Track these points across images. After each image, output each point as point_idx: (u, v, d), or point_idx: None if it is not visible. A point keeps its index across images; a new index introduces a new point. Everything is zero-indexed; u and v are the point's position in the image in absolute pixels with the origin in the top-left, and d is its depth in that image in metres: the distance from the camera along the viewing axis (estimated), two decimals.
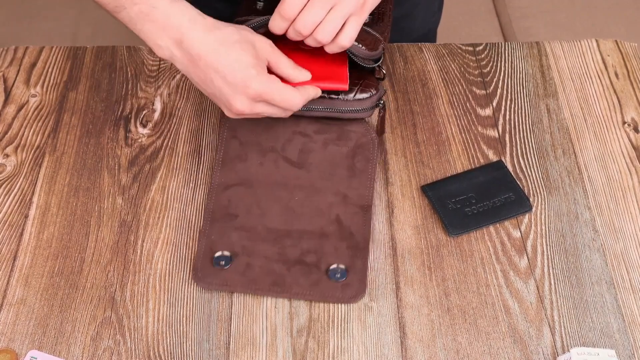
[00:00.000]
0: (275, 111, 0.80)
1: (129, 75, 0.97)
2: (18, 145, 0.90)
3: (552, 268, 0.80)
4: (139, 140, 0.91)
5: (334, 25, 0.77)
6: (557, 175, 0.87)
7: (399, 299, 0.78)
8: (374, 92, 0.85)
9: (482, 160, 0.89)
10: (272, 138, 0.86)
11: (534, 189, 0.86)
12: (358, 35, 0.79)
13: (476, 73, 0.98)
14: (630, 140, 0.91)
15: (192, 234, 0.83)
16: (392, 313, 0.77)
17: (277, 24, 0.78)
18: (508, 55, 1.00)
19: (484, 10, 2.14)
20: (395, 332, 0.75)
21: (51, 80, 0.97)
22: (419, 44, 1.01)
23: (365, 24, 0.85)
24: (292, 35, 0.78)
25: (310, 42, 0.78)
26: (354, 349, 0.74)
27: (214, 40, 0.76)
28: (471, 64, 0.99)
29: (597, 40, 1.02)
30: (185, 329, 0.76)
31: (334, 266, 0.78)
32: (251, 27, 0.82)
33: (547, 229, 0.83)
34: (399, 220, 0.84)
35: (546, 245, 0.82)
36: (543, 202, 0.85)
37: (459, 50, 1.00)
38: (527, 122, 0.92)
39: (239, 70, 0.75)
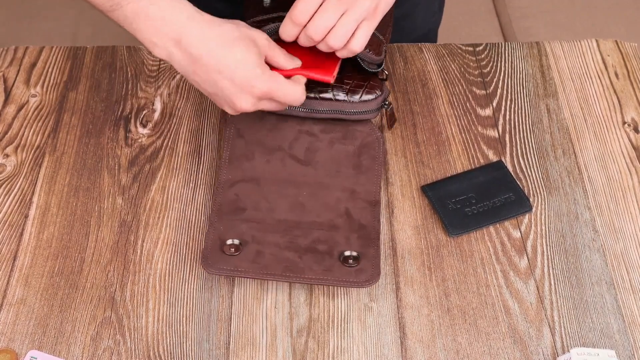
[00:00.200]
0: (276, 106, 0.80)
1: (129, 75, 0.97)
2: (18, 145, 0.90)
3: (552, 268, 0.80)
4: (139, 140, 0.91)
5: (346, 30, 0.76)
6: (557, 175, 0.87)
7: (399, 299, 0.78)
8: (379, 93, 0.86)
9: (482, 161, 0.89)
10: (278, 137, 0.86)
11: (534, 189, 0.86)
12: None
13: (476, 73, 0.98)
14: (630, 140, 0.91)
15: (192, 234, 0.83)
16: (392, 313, 0.77)
17: (288, 30, 0.77)
18: (508, 55, 1.00)
19: (484, 10, 2.14)
20: (395, 333, 0.75)
21: (51, 80, 0.97)
22: (419, 44, 1.01)
23: None
24: (303, 41, 0.77)
25: (322, 47, 0.77)
26: (354, 349, 0.74)
27: (215, 38, 0.75)
28: (471, 64, 0.99)
29: (597, 40, 1.02)
30: (185, 329, 0.76)
31: (347, 253, 0.78)
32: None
33: (547, 229, 0.83)
34: (399, 220, 0.84)
35: (546, 245, 0.82)
36: (543, 202, 0.85)
37: (459, 51, 1.00)
38: (527, 122, 0.92)
39: (245, 70, 0.75)
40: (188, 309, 0.77)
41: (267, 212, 0.81)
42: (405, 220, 0.84)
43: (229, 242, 0.78)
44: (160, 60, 0.98)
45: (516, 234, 0.82)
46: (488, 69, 0.98)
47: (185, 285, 0.79)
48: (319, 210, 0.81)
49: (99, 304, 0.77)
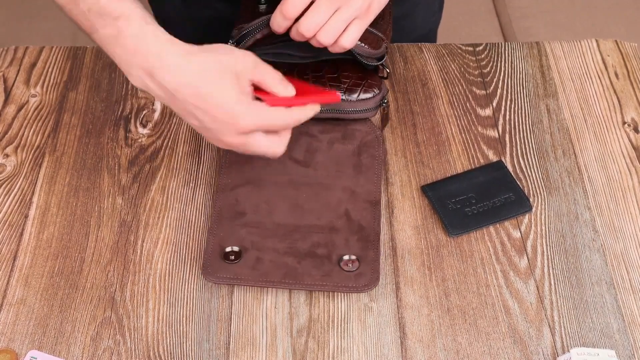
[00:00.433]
0: (269, 143, 0.75)
1: None
2: (18, 145, 0.90)
3: (552, 268, 0.80)
4: (139, 140, 0.91)
5: (337, 27, 0.76)
6: (557, 175, 0.87)
7: (399, 299, 0.78)
8: (377, 91, 0.86)
9: (482, 161, 0.89)
10: None
11: (534, 189, 0.86)
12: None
13: (476, 73, 0.98)
14: (630, 141, 0.91)
15: (192, 234, 0.83)
16: (392, 313, 0.77)
17: (278, 22, 0.77)
18: (508, 55, 1.00)
19: (484, 10, 2.14)
20: (395, 333, 0.75)
21: (51, 80, 0.97)
22: (419, 44, 1.01)
23: None
24: (295, 37, 0.78)
25: (313, 42, 0.78)
26: (354, 349, 0.74)
27: (190, 72, 0.70)
28: (471, 64, 0.99)
29: (597, 40, 1.02)
30: (185, 329, 0.76)
31: (345, 257, 0.78)
32: (250, 29, 0.82)
33: (547, 229, 0.83)
34: (399, 220, 0.84)
35: (546, 245, 0.82)
36: (543, 203, 0.85)
37: (459, 51, 1.00)
38: (527, 122, 0.92)
39: (224, 108, 0.71)
40: (188, 309, 0.77)
41: (266, 216, 0.81)
42: (405, 220, 0.84)
43: (229, 249, 0.78)
44: None
45: (516, 234, 0.82)
46: (488, 69, 0.98)
47: (185, 285, 0.79)
48: (318, 212, 0.81)
49: (99, 304, 0.77)
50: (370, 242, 0.79)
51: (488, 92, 0.96)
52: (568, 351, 0.73)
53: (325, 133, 0.87)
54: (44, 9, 2.11)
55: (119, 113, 0.94)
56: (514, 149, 0.90)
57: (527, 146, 0.90)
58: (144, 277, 0.79)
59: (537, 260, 0.80)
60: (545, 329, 0.75)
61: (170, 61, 0.70)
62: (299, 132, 0.86)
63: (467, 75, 0.97)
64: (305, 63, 0.86)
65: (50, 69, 0.98)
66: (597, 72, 0.98)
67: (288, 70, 0.82)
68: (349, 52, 0.83)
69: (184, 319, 0.76)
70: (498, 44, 1.01)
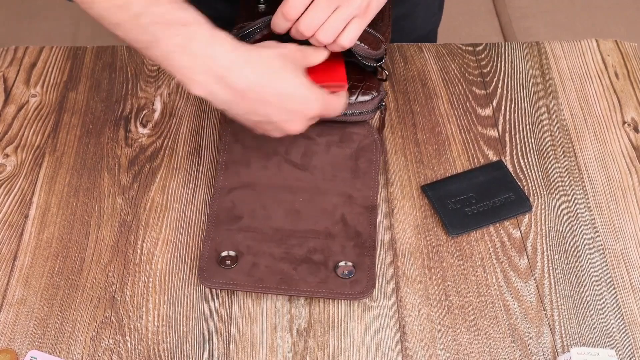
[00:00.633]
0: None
1: (129, 75, 0.98)
2: (18, 145, 0.90)
3: (552, 268, 0.80)
4: (139, 140, 0.91)
5: (335, 27, 0.77)
6: (557, 175, 0.87)
7: (399, 299, 0.78)
8: (376, 94, 0.86)
9: (482, 160, 0.89)
10: (275, 142, 0.86)
11: (534, 189, 0.86)
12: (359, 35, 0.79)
13: (476, 73, 0.98)
14: (630, 140, 0.91)
15: (192, 234, 0.83)
16: (392, 313, 0.77)
17: (279, 23, 0.78)
18: (508, 55, 1.00)
19: (484, 10, 2.14)
20: (395, 332, 0.75)
21: (51, 80, 0.97)
22: (419, 44, 1.01)
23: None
24: (295, 35, 0.78)
25: (312, 42, 0.78)
26: (354, 349, 0.74)
27: (259, 69, 0.73)
28: (471, 64, 0.99)
29: (597, 40, 1.02)
30: (185, 329, 0.76)
31: (341, 263, 0.78)
32: (250, 30, 0.82)
33: (547, 229, 0.83)
34: (399, 220, 0.84)
35: (546, 245, 0.82)
36: (543, 202, 0.85)
37: (459, 50, 1.00)
38: (527, 122, 0.92)
39: (297, 97, 0.75)
40: (188, 309, 0.77)
41: (263, 220, 0.81)
42: (405, 220, 0.84)
43: (224, 253, 0.78)
44: None
45: (516, 234, 0.82)
46: (488, 68, 0.98)
47: (185, 285, 0.79)
48: (315, 217, 0.81)
49: (99, 304, 0.77)
50: (366, 248, 0.79)
51: (488, 91, 0.96)
52: (568, 351, 0.73)
53: (323, 136, 0.87)
54: (44, 9, 2.11)
55: (119, 113, 0.94)
56: (514, 148, 0.90)
57: (527, 146, 0.90)
58: (144, 277, 0.79)
59: (537, 259, 0.80)
60: (545, 328, 0.75)
61: (241, 61, 0.72)
62: (296, 134, 0.86)
63: (467, 75, 0.97)
64: None
65: (50, 69, 0.98)
66: (597, 72, 0.98)
67: None
68: (348, 53, 0.83)
69: (184, 319, 0.76)
70: (498, 43, 1.01)
